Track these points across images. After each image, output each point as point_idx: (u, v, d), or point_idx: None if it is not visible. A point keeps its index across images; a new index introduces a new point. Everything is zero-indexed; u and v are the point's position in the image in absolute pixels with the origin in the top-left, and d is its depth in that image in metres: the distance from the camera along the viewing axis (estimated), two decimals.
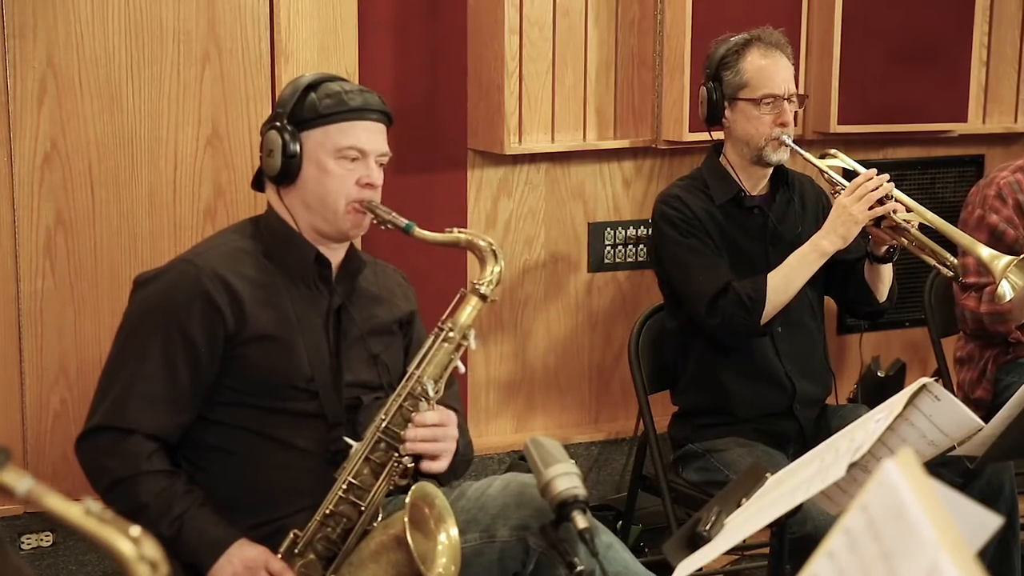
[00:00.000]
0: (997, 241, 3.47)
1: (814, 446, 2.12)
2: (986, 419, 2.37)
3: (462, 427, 2.47)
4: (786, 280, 3.02)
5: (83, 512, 1.21)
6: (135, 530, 1.22)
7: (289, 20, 3.47)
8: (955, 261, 3.06)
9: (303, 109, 2.42)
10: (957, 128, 4.41)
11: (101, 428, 2.36)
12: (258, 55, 3.48)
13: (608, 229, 4.12)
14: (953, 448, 2.18)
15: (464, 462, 2.51)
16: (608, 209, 4.11)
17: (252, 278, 2.42)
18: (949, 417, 2.11)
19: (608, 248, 4.12)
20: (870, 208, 2.95)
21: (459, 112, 3.89)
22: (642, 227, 4.12)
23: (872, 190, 2.96)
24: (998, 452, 2.47)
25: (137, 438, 2.33)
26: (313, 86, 2.44)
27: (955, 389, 3.67)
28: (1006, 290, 2.96)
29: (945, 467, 2.82)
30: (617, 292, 4.17)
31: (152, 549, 1.21)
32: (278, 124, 2.42)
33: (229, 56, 3.45)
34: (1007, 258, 2.96)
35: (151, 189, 3.42)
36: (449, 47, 3.85)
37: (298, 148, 2.41)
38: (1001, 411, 2.44)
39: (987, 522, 1.13)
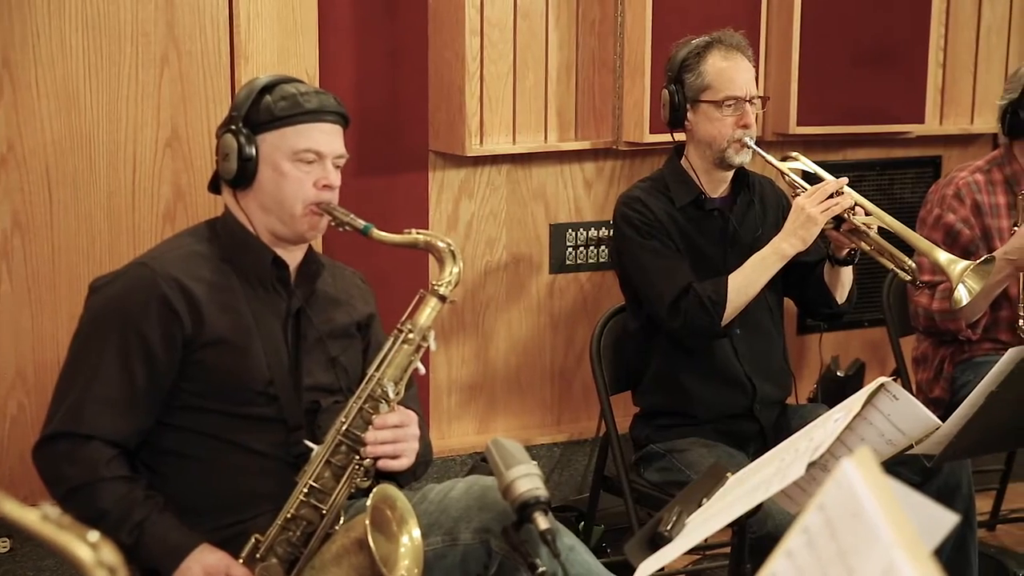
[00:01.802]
0: (953, 241, 3.50)
1: (775, 446, 2.13)
2: (944, 418, 2.39)
3: (421, 429, 2.47)
4: (746, 282, 3.04)
5: (40, 518, 1.20)
6: (93, 535, 1.20)
7: (249, 22, 3.46)
8: (913, 265, 3.08)
9: (258, 112, 2.40)
10: (915, 129, 4.45)
11: (58, 434, 2.33)
12: (217, 56, 3.46)
13: (569, 230, 4.13)
14: (911, 447, 2.20)
15: (423, 464, 2.50)
16: (569, 210, 4.12)
17: (209, 281, 2.40)
18: (907, 416, 2.13)
19: (570, 249, 4.13)
20: (827, 208, 2.97)
21: (420, 114, 3.89)
22: (603, 228, 4.13)
23: (830, 195, 2.98)
24: (955, 450, 2.49)
25: (95, 444, 2.31)
26: (268, 88, 2.43)
27: (914, 390, 3.70)
28: (962, 295, 2.98)
29: (903, 466, 2.84)
30: (579, 293, 4.18)
31: (111, 554, 1.20)
32: (233, 127, 2.40)
33: (188, 58, 3.43)
34: (964, 263, 2.98)
35: (110, 191, 3.39)
36: (410, 49, 3.85)
37: (254, 151, 2.40)
38: (958, 410, 2.46)
39: (943, 520, 1.14)
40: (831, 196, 2.97)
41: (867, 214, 3.02)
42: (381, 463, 2.34)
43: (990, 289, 3.34)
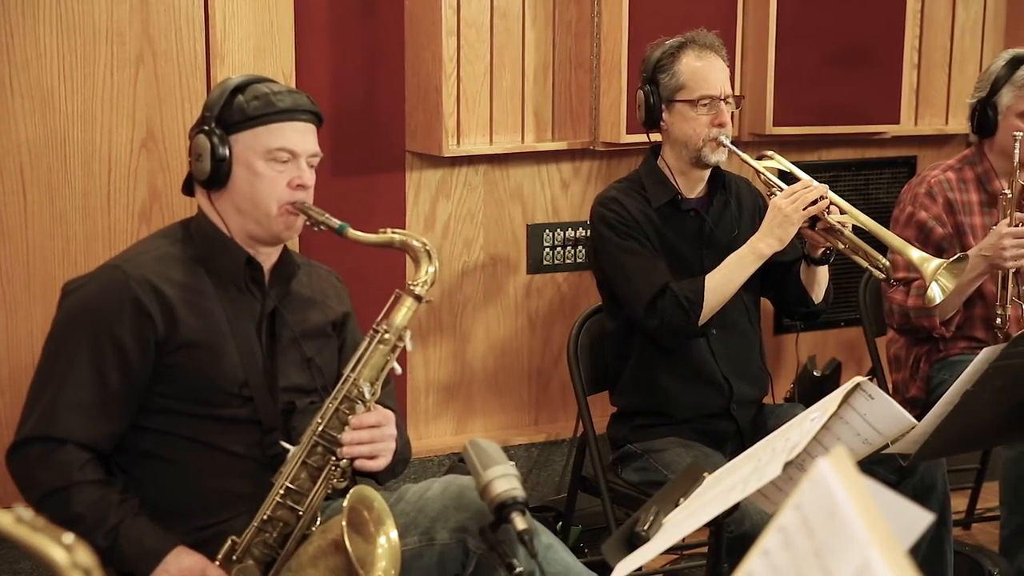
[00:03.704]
0: (926, 238, 3.52)
1: (751, 445, 2.14)
2: (921, 417, 2.40)
3: (399, 426, 2.47)
4: (724, 281, 3.05)
5: (14, 520, 1.19)
6: (68, 537, 1.20)
7: (224, 22, 3.44)
8: (887, 263, 3.10)
9: (231, 112, 2.39)
10: (890, 130, 4.47)
11: (31, 438, 2.32)
12: (193, 56, 3.45)
13: (547, 231, 4.13)
14: (887, 446, 2.21)
15: (402, 461, 2.50)
16: (547, 211, 4.12)
17: (182, 283, 2.39)
18: (883, 415, 2.14)
19: (547, 250, 4.13)
20: (804, 208, 2.98)
21: (397, 114, 3.88)
22: (580, 228, 4.13)
23: (806, 191, 2.99)
24: (930, 450, 2.50)
25: (69, 448, 2.30)
26: (241, 88, 2.41)
27: (890, 390, 3.71)
28: (936, 293, 2.99)
29: (879, 465, 2.86)
30: (556, 294, 4.18)
31: (85, 556, 1.20)
32: (206, 128, 2.39)
33: (164, 58, 3.42)
34: (937, 261, 3.00)
35: (85, 192, 3.38)
36: (386, 49, 3.84)
37: (227, 152, 2.38)
38: (933, 409, 2.47)
39: (919, 519, 1.15)
40: (805, 188, 2.99)
41: (842, 213, 3.04)
42: (359, 463, 2.34)
43: (964, 287, 3.36)
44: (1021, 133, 3.44)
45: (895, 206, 3.70)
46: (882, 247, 3.14)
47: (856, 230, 3.05)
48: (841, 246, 3.06)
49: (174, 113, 3.44)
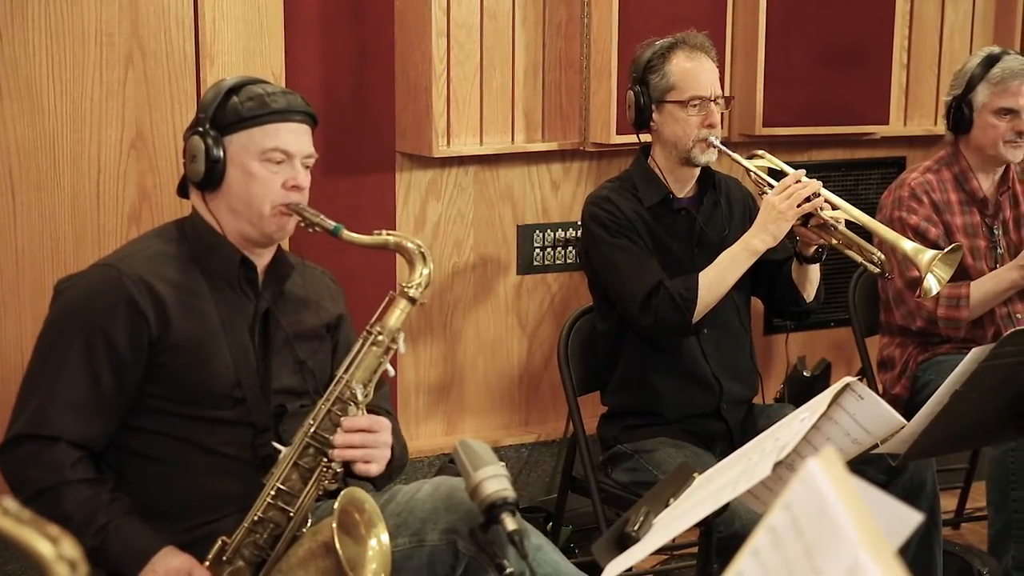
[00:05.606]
0: (922, 240, 3.53)
1: (741, 445, 2.14)
2: (904, 415, 2.41)
3: (396, 431, 2.46)
4: (717, 278, 3.05)
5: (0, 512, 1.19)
6: (54, 530, 1.20)
7: (214, 22, 3.44)
8: (882, 257, 3.10)
9: (225, 113, 2.39)
10: (879, 130, 4.48)
11: (23, 437, 2.32)
12: (183, 57, 3.44)
13: (537, 231, 4.13)
14: (876, 446, 2.21)
15: (399, 466, 2.50)
16: (537, 211, 4.12)
17: (176, 283, 2.39)
18: (872, 415, 2.14)
19: (537, 250, 4.13)
20: (798, 205, 2.99)
21: (387, 114, 3.88)
22: (571, 229, 4.14)
23: (799, 188, 3.00)
24: (920, 450, 2.50)
25: (60, 446, 2.29)
26: (235, 89, 2.41)
27: (880, 391, 3.72)
28: (932, 284, 3.00)
29: (869, 464, 2.86)
30: (546, 294, 4.18)
31: (71, 548, 1.19)
32: (200, 129, 2.39)
33: (153, 58, 3.41)
34: (931, 252, 3.00)
35: (74, 193, 3.37)
36: (376, 49, 3.84)
37: (222, 153, 2.38)
38: (922, 409, 2.47)
39: (908, 519, 1.15)
40: (798, 185, 3.00)
41: (834, 209, 3.04)
42: (356, 468, 2.33)
43: (997, 297, 3.46)
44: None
45: (877, 213, 3.70)
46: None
47: (849, 225, 3.05)
48: (834, 242, 3.07)
49: (164, 114, 3.43)
